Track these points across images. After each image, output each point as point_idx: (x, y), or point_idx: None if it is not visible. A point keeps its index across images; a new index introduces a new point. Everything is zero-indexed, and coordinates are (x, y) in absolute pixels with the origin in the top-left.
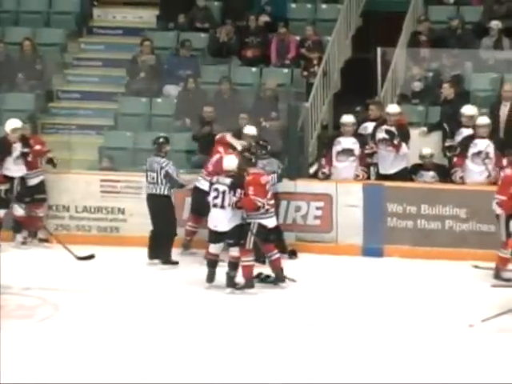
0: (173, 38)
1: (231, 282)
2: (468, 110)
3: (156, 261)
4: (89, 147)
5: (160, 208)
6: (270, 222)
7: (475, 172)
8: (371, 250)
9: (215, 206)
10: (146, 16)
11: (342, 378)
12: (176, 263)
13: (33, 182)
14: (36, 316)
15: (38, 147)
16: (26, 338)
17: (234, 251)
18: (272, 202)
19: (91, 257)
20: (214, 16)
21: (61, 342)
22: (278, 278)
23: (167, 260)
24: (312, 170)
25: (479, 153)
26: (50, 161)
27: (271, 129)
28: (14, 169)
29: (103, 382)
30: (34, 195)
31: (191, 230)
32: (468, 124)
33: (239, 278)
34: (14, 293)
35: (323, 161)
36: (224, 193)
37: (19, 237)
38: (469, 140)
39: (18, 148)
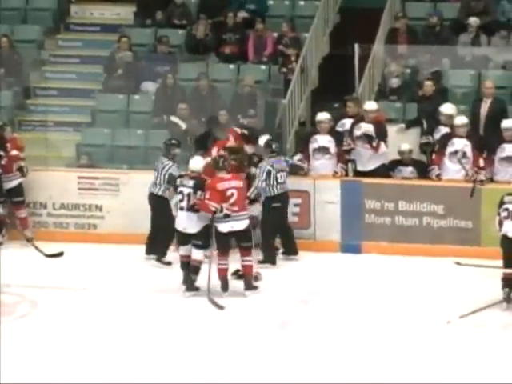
0: (150, 35)
1: (191, 286)
2: (447, 108)
3: (152, 256)
4: (66, 144)
5: (157, 207)
6: (224, 227)
7: (452, 170)
8: (349, 246)
9: (182, 208)
10: (124, 13)
11: (321, 376)
12: (169, 264)
13: (10, 184)
14: (15, 313)
15: (14, 153)
16: (5, 335)
17: (197, 254)
18: (236, 208)
19: (60, 254)
20: (191, 12)
21: (39, 338)
22: (247, 286)
23: (159, 259)
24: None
25: (456, 152)
26: (20, 169)
27: (249, 126)
28: None
29: (81, 378)
30: (12, 198)
31: None
32: (446, 122)
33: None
34: None
35: (299, 156)
36: (189, 195)
37: None
38: (447, 138)
39: None
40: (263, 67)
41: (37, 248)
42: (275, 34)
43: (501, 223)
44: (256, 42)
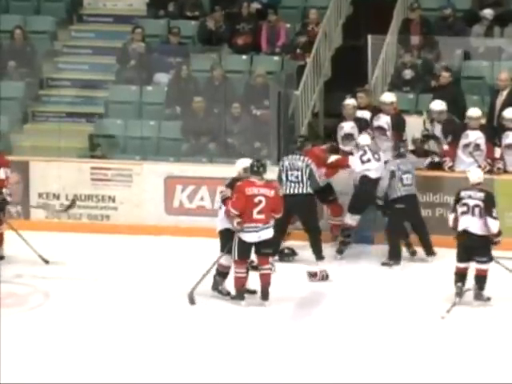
0: (163, 26)
1: (215, 286)
2: (436, 105)
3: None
4: (79, 135)
5: (307, 206)
6: (251, 237)
7: (466, 163)
8: (362, 237)
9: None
10: (137, 3)
11: (331, 371)
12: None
13: None
14: (27, 304)
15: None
16: (17, 326)
17: (222, 258)
18: (262, 216)
19: (73, 204)
20: (202, 3)
21: (52, 329)
22: (263, 295)
23: (320, 256)
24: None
25: (469, 144)
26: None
27: (262, 117)
28: None
29: (93, 369)
30: None
31: None
32: (438, 119)
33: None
34: (5, 281)
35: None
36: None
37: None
38: (461, 130)
39: None
40: (276, 58)
41: (38, 254)
42: (288, 25)
43: (456, 219)
44: (269, 32)
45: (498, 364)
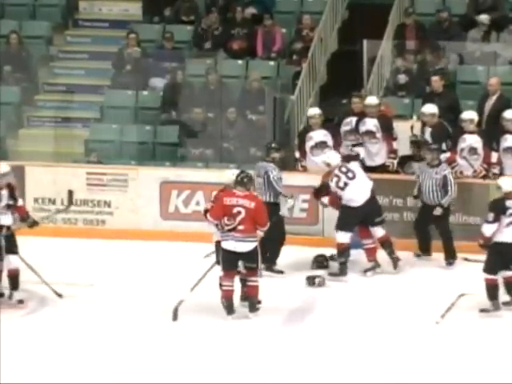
0: (158, 31)
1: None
2: (428, 108)
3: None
4: (75, 140)
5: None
6: (227, 245)
7: (463, 166)
8: (358, 242)
9: None
10: (132, 9)
11: (326, 374)
12: (281, 272)
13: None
14: (24, 309)
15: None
16: (14, 331)
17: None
18: (242, 227)
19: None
20: (198, 7)
21: (48, 334)
22: (251, 307)
23: (270, 267)
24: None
25: (465, 148)
26: (34, 223)
27: (258, 122)
28: (1, 218)
29: (90, 374)
30: None
31: None
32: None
33: None
34: (2, 286)
35: (298, 154)
36: None
37: (17, 295)
38: (458, 134)
39: (5, 196)
40: (272, 63)
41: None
42: (284, 30)
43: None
44: (264, 37)
45: (494, 369)
